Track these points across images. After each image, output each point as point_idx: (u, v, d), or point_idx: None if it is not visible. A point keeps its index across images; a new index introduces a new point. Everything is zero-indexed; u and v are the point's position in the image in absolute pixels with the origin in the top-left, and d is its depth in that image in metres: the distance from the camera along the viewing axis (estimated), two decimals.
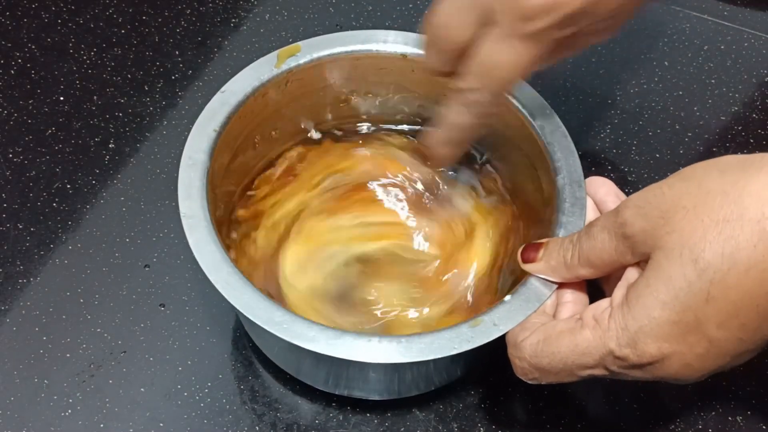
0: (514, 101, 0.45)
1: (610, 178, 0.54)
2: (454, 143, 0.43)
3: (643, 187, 0.54)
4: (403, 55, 0.48)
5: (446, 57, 0.39)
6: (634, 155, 0.56)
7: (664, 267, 0.33)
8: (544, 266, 0.39)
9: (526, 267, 0.39)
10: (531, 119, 0.45)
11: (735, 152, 0.57)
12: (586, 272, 0.37)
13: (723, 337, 0.32)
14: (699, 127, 0.58)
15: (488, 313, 0.38)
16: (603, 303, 0.36)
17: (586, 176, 0.43)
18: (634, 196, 0.35)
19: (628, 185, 0.55)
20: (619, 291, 0.35)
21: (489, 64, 0.37)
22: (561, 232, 0.40)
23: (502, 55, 0.37)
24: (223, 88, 0.45)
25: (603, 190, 0.42)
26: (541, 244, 0.40)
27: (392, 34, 0.48)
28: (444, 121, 0.42)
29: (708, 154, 0.57)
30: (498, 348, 0.38)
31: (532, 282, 0.39)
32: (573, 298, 0.39)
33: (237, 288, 0.38)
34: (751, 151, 0.57)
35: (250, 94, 0.45)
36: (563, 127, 0.45)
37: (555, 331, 0.36)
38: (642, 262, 0.35)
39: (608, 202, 0.42)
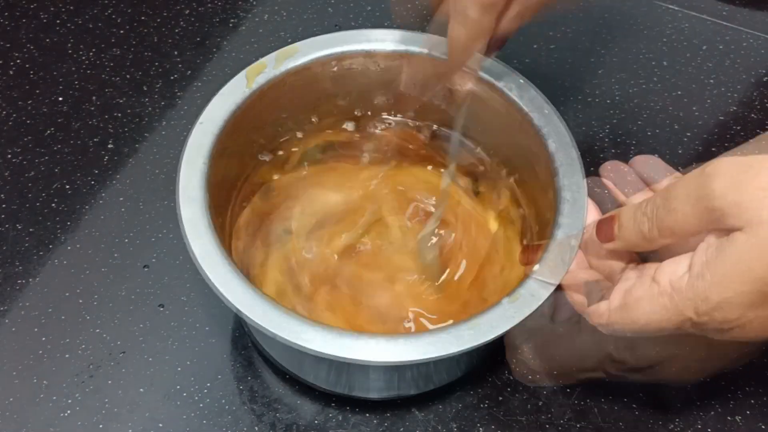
0: (515, 100, 0.46)
1: (609, 179, 0.55)
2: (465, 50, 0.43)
3: (644, 188, 0.54)
4: (401, 54, 0.48)
5: None
6: (633, 155, 0.55)
7: (761, 240, 0.31)
8: (624, 243, 0.37)
9: (608, 246, 0.38)
10: (532, 119, 0.45)
11: (734, 153, 0.57)
12: (667, 241, 0.36)
13: None
14: (698, 127, 0.58)
15: (486, 313, 0.38)
16: (680, 267, 0.34)
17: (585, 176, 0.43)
18: (722, 163, 0.33)
19: (628, 185, 0.55)
20: (699, 258, 0.34)
21: None
22: (559, 233, 0.40)
23: None
24: (200, 119, 0.44)
25: (650, 163, 0.42)
26: (613, 218, 0.38)
27: (390, 33, 0.48)
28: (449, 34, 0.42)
29: (707, 154, 0.57)
30: (497, 348, 0.38)
31: (530, 284, 0.39)
32: (572, 300, 0.39)
33: (237, 289, 0.38)
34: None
35: (228, 119, 0.44)
36: (564, 130, 0.45)
37: (631, 297, 0.35)
38: (724, 230, 0.33)
39: (659, 180, 0.41)
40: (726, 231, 0.33)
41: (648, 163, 0.42)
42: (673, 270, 0.34)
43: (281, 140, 0.50)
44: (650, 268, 0.36)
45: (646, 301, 0.35)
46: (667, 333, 0.35)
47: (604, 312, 0.36)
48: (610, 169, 0.42)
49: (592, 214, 0.41)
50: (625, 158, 0.56)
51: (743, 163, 0.32)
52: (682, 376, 0.34)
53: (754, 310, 0.32)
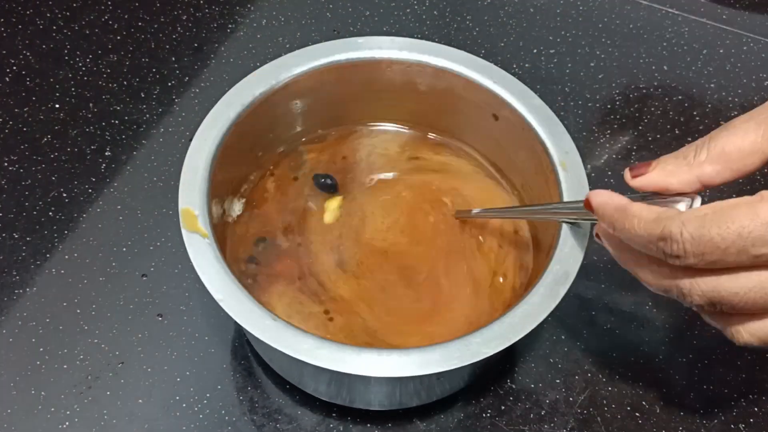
0: (518, 108, 0.46)
1: (610, 185, 0.55)
2: None
3: (644, 192, 0.54)
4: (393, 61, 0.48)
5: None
6: (633, 160, 0.56)
7: None
8: (659, 174, 0.35)
9: (636, 182, 0.36)
10: (537, 130, 0.45)
11: None
12: (712, 169, 0.33)
13: None
14: (698, 132, 0.58)
15: (494, 324, 0.37)
16: None
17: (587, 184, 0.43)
18: None
19: (629, 190, 0.54)
20: None
21: None
22: (563, 246, 0.40)
23: None
24: (200, 129, 0.43)
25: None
26: (648, 163, 0.36)
27: (390, 41, 0.48)
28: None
29: None
30: (500, 357, 0.38)
31: (537, 294, 0.38)
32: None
33: (239, 302, 0.38)
34: None
35: (228, 129, 0.44)
36: (567, 134, 0.45)
37: (727, 204, 0.31)
38: None
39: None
40: None
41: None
42: None
43: (279, 150, 0.50)
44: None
45: (745, 207, 0.30)
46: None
47: (692, 227, 0.31)
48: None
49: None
50: (626, 163, 0.56)
51: None
52: None
53: None
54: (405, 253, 0.46)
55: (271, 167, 0.49)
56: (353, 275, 0.45)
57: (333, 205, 0.47)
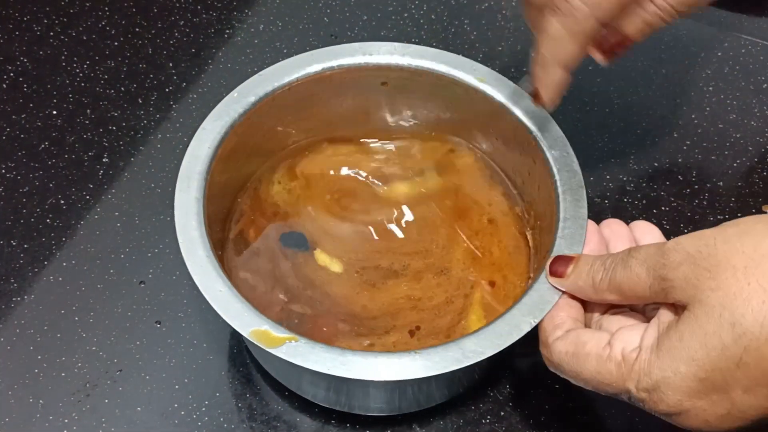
0: (514, 111, 0.46)
1: (608, 187, 0.55)
2: (564, 61, 0.42)
3: (642, 196, 0.54)
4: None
5: None
6: (632, 164, 0.56)
7: (701, 323, 0.32)
8: (571, 284, 0.38)
9: (553, 281, 0.39)
10: (531, 128, 0.45)
11: (733, 160, 0.56)
12: (613, 298, 0.37)
13: (746, 402, 0.32)
14: (697, 135, 0.58)
15: (490, 327, 0.38)
16: (634, 338, 0.35)
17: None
18: (685, 239, 0.34)
19: (626, 195, 0.54)
20: (650, 332, 0.34)
21: None
22: (560, 242, 0.40)
23: None
24: (194, 139, 0.43)
25: (647, 230, 0.41)
26: (571, 258, 0.39)
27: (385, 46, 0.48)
28: (547, 38, 0.41)
29: (706, 162, 0.56)
30: (499, 363, 0.38)
31: (535, 292, 0.39)
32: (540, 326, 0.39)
33: (237, 310, 0.38)
34: (749, 159, 0.57)
35: (222, 139, 0.44)
36: (563, 136, 0.45)
37: (584, 350, 0.36)
38: (678, 306, 0.34)
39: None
40: (677, 307, 0.34)
41: (645, 230, 0.41)
42: (629, 339, 0.35)
43: (275, 158, 0.50)
44: (612, 325, 0.37)
45: (595, 359, 0.35)
46: (608, 395, 0.36)
47: (558, 351, 0.37)
48: (607, 224, 0.42)
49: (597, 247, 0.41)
50: (624, 167, 0.56)
51: (701, 241, 0.33)
52: (699, 427, 0.34)
53: (692, 399, 0.33)
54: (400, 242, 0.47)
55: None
56: (394, 275, 0.46)
57: (324, 258, 0.46)
